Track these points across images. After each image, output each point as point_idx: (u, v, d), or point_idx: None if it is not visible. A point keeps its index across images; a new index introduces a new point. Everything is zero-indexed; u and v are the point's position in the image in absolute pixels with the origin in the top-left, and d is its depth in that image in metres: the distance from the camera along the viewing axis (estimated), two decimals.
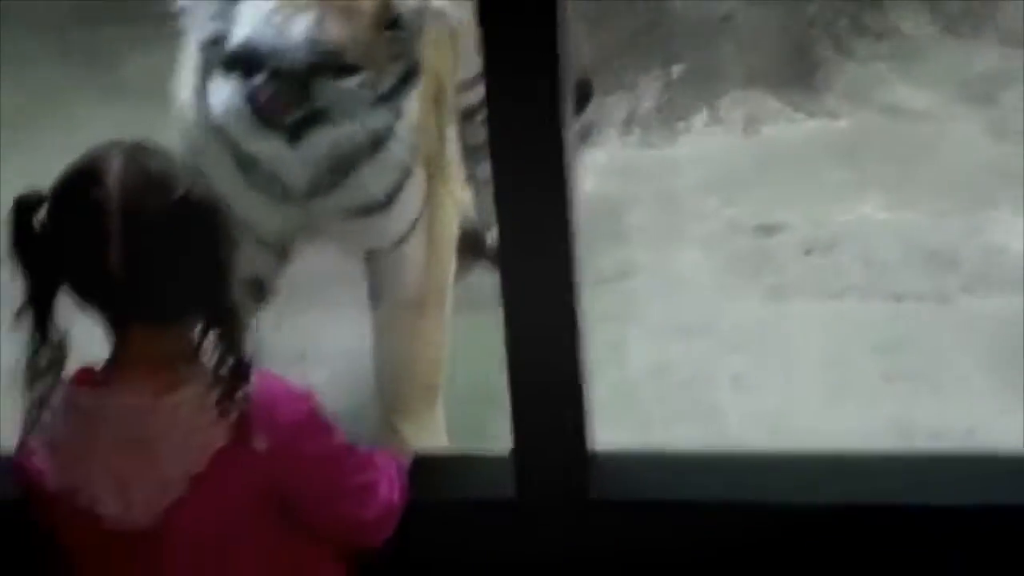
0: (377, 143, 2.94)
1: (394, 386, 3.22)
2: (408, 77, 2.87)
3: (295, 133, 2.78)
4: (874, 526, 2.39)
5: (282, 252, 3.15)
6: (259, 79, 2.71)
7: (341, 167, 2.98)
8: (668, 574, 2.43)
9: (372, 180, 3.02)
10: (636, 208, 4.24)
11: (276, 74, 2.71)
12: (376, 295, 3.24)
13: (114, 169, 1.94)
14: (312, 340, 3.63)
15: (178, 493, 1.98)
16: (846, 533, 2.39)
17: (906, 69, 4.71)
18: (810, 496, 2.40)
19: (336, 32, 2.72)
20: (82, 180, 1.96)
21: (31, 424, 2.03)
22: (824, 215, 4.06)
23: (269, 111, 2.72)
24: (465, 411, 3.22)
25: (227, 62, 2.73)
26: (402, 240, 3.14)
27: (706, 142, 4.54)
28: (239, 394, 1.96)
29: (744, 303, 3.76)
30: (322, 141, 2.84)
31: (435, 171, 3.16)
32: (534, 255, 2.32)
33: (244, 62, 2.71)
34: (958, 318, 3.59)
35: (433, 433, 3.18)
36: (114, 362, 2.02)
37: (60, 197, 1.97)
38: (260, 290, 3.17)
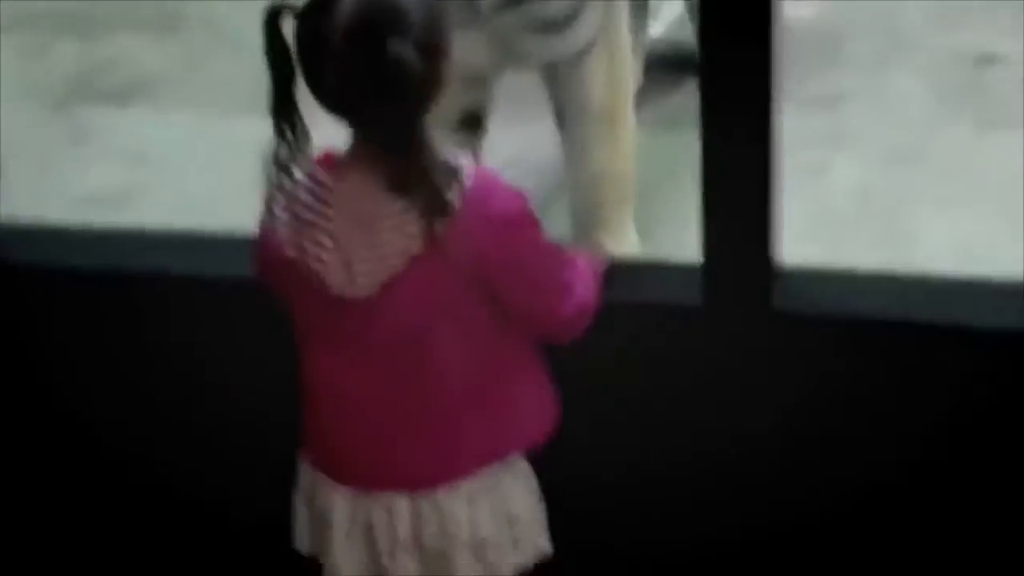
0: None
1: (588, 199, 3.32)
2: None
3: None
4: None
5: (484, 83, 3.26)
6: None
7: None
8: (845, 386, 2.48)
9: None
10: (855, 33, 4.22)
11: None
12: (562, 113, 3.33)
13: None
14: (523, 150, 3.75)
15: (396, 270, 2.11)
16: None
17: None
18: (991, 320, 2.43)
19: None
20: (317, 6, 2.09)
21: (275, 197, 2.18)
22: None
23: None
24: (659, 223, 3.31)
25: None
26: (583, 52, 3.21)
27: None
28: (436, 221, 2.08)
29: (954, 133, 3.74)
30: None
31: None
32: (733, 70, 2.34)
33: None
34: None
35: (626, 242, 3.29)
36: (351, 153, 2.15)
37: (300, 15, 2.10)
38: (476, 122, 3.31)
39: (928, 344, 2.45)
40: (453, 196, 2.09)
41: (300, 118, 2.15)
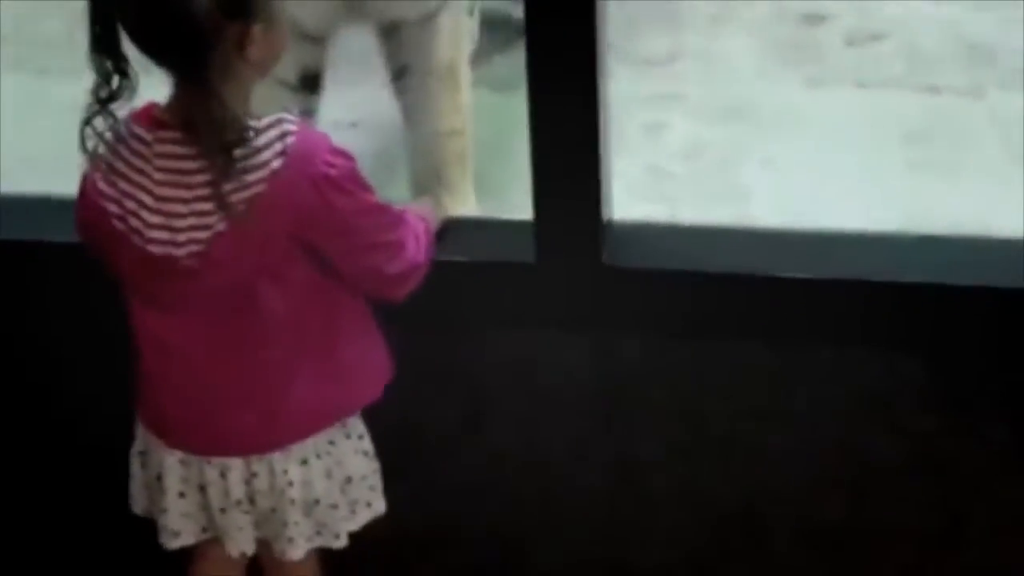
0: None
1: (429, 158, 3.33)
2: None
3: None
4: (876, 301, 2.46)
5: (323, 43, 3.24)
6: None
7: None
8: (675, 338, 2.53)
9: None
10: None
11: None
12: (402, 72, 3.32)
13: None
14: (363, 111, 3.74)
15: (217, 228, 2.11)
16: (856, 308, 2.47)
17: None
18: (818, 270, 2.47)
19: None
20: None
21: (95, 151, 2.16)
22: (871, 6, 4.08)
23: None
24: (493, 181, 3.33)
25: None
26: (437, 9, 3.23)
27: None
28: (222, 182, 2.07)
29: (783, 89, 3.81)
30: None
31: None
32: (558, 29, 2.36)
33: None
34: (989, 113, 3.63)
35: (465, 201, 3.30)
36: (171, 105, 2.13)
37: None
38: (313, 81, 3.29)
39: (756, 296, 2.50)
40: (245, 157, 2.07)
41: (124, 60, 2.11)
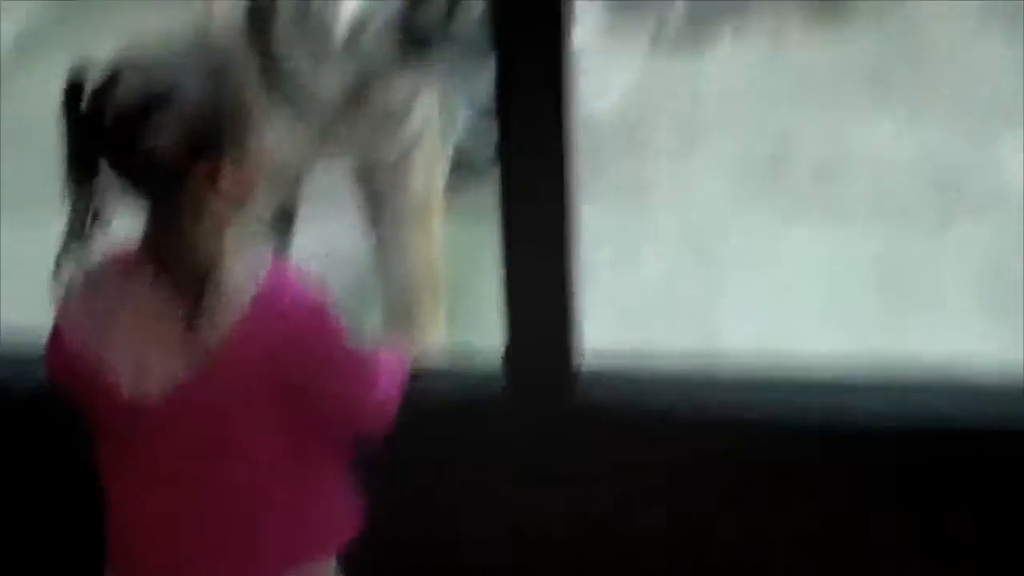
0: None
1: (402, 292, 3.33)
2: None
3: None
4: (853, 444, 2.46)
5: (298, 179, 3.27)
6: None
7: (370, 82, 3.08)
8: (649, 483, 2.52)
9: (394, 94, 3.13)
10: (658, 122, 4.31)
11: None
12: (376, 206, 3.33)
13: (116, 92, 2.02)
14: (336, 242, 3.74)
15: (187, 371, 2.07)
16: (826, 451, 2.47)
17: None
18: (792, 412, 2.47)
19: None
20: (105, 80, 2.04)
21: (68, 290, 2.12)
22: (839, 135, 4.12)
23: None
24: (463, 314, 3.33)
25: None
26: (413, 146, 3.24)
27: (730, 58, 4.59)
28: (194, 326, 2.05)
29: (752, 222, 3.83)
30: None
31: None
32: (529, 165, 2.37)
33: None
34: (958, 244, 3.65)
35: (436, 332, 3.31)
36: (143, 243, 2.10)
37: (93, 88, 2.04)
38: (287, 217, 3.31)
39: (729, 438, 2.48)
40: (215, 297, 2.04)
41: (100, 196, 2.07)
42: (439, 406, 2.49)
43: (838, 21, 4.66)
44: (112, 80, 2.03)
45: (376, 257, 3.39)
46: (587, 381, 2.48)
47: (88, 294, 2.12)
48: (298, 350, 2.10)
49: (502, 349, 2.46)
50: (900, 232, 3.75)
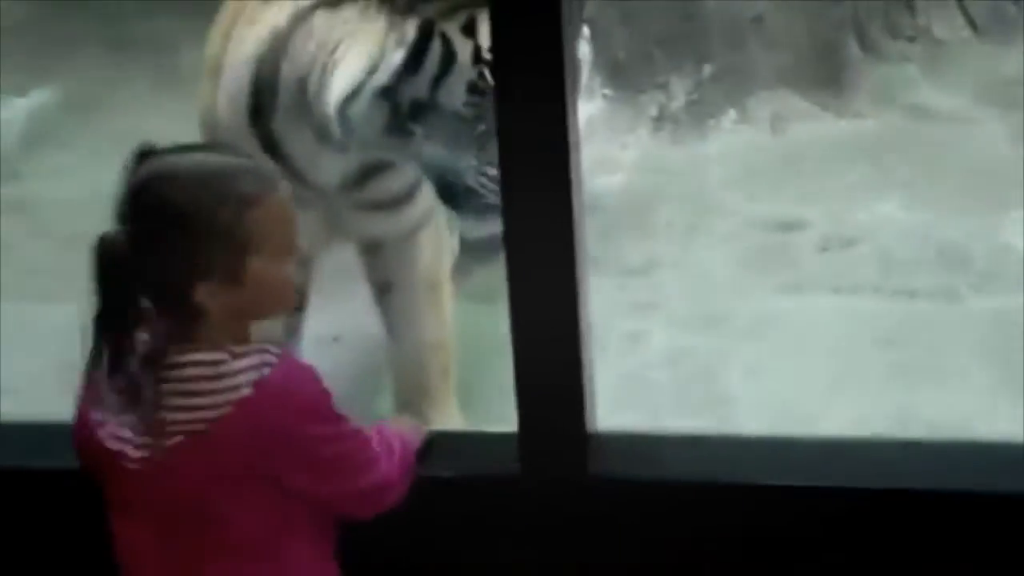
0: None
1: (412, 371, 3.34)
2: None
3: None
4: (870, 509, 2.46)
5: (308, 262, 3.25)
6: None
7: (372, 166, 3.13)
8: (664, 551, 2.51)
9: (397, 177, 3.17)
10: (663, 203, 4.36)
11: None
12: (385, 287, 3.35)
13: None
14: (346, 325, 3.76)
15: (182, 446, 2.11)
16: (843, 516, 2.46)
17: (934, 71, 4.80)
18: (807, 479, 2.47)
19: None
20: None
21: (86, 375, 2.19)
22: (844, 213, 4.17)
23: None
24: (476, 393, 3.35)
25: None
26: (419, 227, 3.27)
27: (734, 140, 4.66)
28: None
29: (760, 297, 3.87)
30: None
31: None
32: (538, 243, 2.39)
33: None
34: (965, 315, 3.68)
35: (448, 413, 3.31)
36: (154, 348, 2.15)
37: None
38: (298, 300, 3.29)
39: (743, 505, 2.49)
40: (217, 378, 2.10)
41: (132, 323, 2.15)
42: (454, 481, 2.50)
43: (837, 104, 4.73)
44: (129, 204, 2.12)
45: (387, 337, 3.41)
46: (600, 450, 2.50)
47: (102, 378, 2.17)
48: (292, 441, 2.13)
49: (516, 423, 2.47)
50: (907, 304, 3.78)
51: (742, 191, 4.36)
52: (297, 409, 2.13)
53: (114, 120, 4.86)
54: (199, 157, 2.22)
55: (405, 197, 3.23)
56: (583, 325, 2.44)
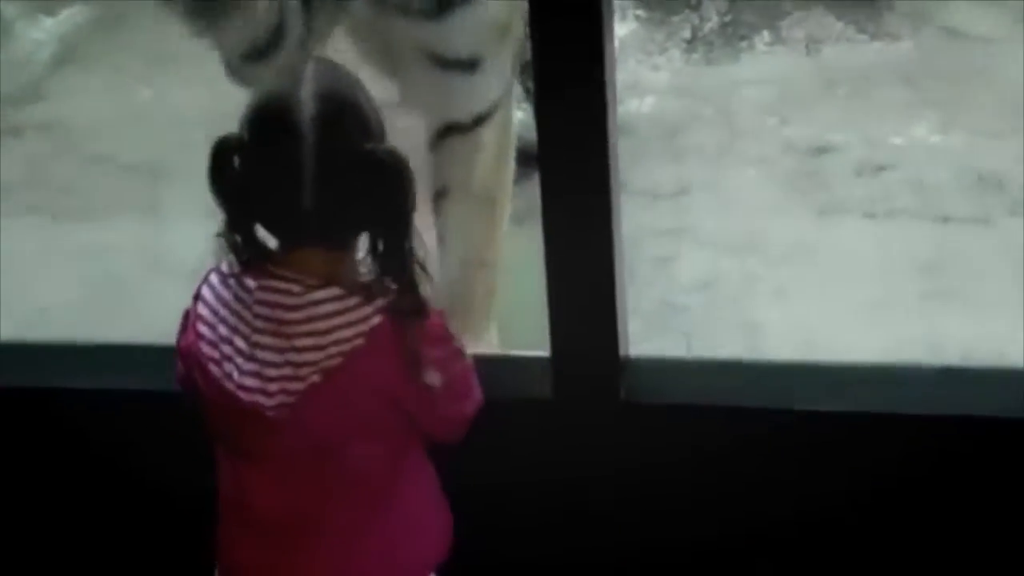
0: None
1: (457, 288, 3.21)
2: None
3: None
4: (896, 434, 2.47)
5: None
6: None
7: None
8: (694, 475, 2.52)
9: (468, 26, 3.00)
10: (695, 126, 4.33)
11: None
12: (443, 192, 3.20)
13: (306, 115, 2.03)
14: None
15: (311, 381, 2.08)
16: (872, 441, 2.47)
17: None
18: (835, 403, 2.47)
19: None
20: (275, 127, 2.05)
21: (194, 298, 2.16)
22: (878, 136, 4.14)
23: None
24: (507, 314, 3.33)
25: None
26: (482, 118, 3.12)
27: (767, 62, 4.61)
28: (415, 324, 2.08)
29: (793, 221, 3.84)
30: None
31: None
32: (572, 165, 2.38)
33: None
34: (999, 241, 3.65)
35: (487, 335, 3.23)
36: (278, 258, 2.12)
37: (254, 143, 2.06)
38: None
39: (774, 429, 2.49)
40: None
41: (257, 240, 2.11)
42: (486, 405, 2.50)
43: (872, 26, 4.68)
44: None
45: (438, 247, 3.22)
46: (632, 376, 2.49)
47: (216, 298, 2.14)
48: (411, 371, 2.11)
49: (548, 346, 2.47)
50: (941, 229, 3.76)
51: (775, 114, 4.32)
52: (430, 332, 2.12)
53: (141, 38, 4.84)
54: None
55: (469, 62, 3.05)
56: (616, 250, 2.43)
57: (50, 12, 5.08)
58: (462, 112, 3.14)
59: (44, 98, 4.65)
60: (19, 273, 3.73)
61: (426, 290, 2.11)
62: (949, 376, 2.55)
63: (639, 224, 3.61)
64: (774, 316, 3.51)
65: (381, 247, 2.08)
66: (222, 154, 2.07)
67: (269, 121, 2.06)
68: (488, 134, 3.14)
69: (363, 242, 2.13)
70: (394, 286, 2.09)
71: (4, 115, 4.56)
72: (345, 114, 2.07)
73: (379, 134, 2.09)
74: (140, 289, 3.35)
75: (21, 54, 4.92)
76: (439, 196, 3.24)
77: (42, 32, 5.01)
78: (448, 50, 3.04)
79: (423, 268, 2.11)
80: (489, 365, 2.62)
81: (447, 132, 3.17)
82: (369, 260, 2.11)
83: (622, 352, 2.48)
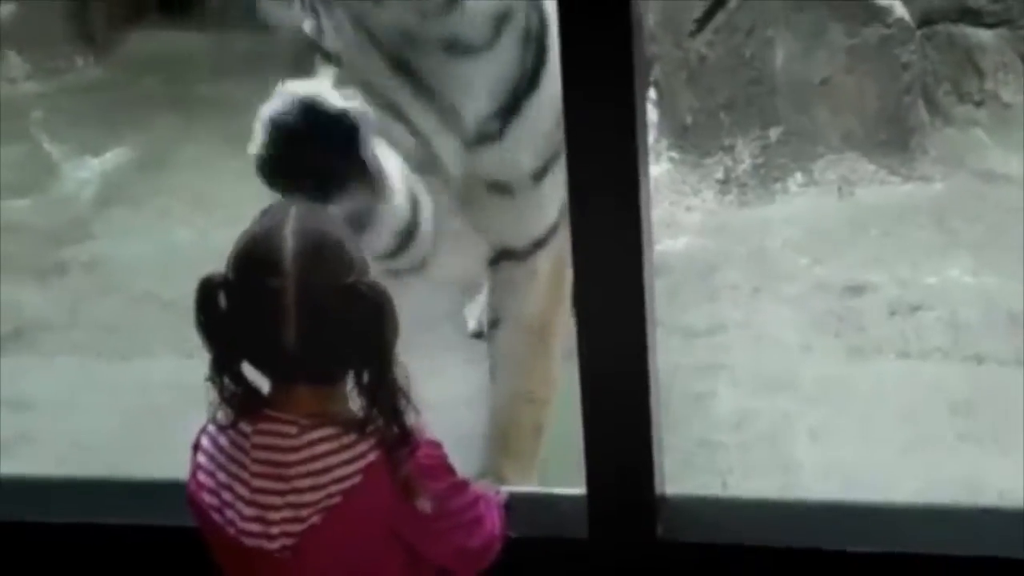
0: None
1: (504, 421, 3.13)
2: None
3: None
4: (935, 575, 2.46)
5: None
6: None
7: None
8: None
9: (528, 139, 2.93)
10: (729, 265, 4.35)
11: None
12: (495, 321, 3.13)
13: (288, 253, 2.06)
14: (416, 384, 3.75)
15: (312, 522, 2.10)
16: None
17: (1001, 135, 4.78)
18: (876, 545, 2.46)
19: None
20: (258, 265, 2.08)
21: (196, 447, 2.19)
22: (911, 277, 4.15)
23: None
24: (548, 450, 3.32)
25: None
26: (537, 244, 3.05)
27: (800, 203, 4.65)
28: (403, 452, 2.09)
29: (827, 360, 3.85)
30: None
31: None
32: (609, 303, 2.40)
33: None
34: None
35: (527, 476, 3.14)
36: (270, 400, 2.14)
37: (238, 281, 2.09)
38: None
39: (812, 571, 2.48)
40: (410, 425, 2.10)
41: (245, 380, 2.13)
42: (522, 542, 2.50)
43: (904, 168, 4.72)
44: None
45: (489, 381, 3.17)
46: (668, 514, 2.49)
47: (216, 445, 2.16)
48: (410, 506, 2.13)
49: (584, 483, 2.47)
50: (975, 369, 3.76)
51: (808, 254, 4.35)
52: (419, 464, 2.12)
53: (182, 179, 4.93)
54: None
55: (528, 179, 2.97)
56: (652, 388, 2.44)
57: (96, 152, 5.18)
58: (519, 237, 3.08)
59: (89, 237, 4.73)
60: (59, 410, 3.77)
61: (411, 419, 2.11)
62: (987, 517, 2.55)
63: (674, 362, 3.62)
64: (810, 455, 3.51)
65: (366, 379, 2.10)
66: (207, 292, 2.09)
67: (252, 258, 2.09)
68: (543, 262, 3.06)
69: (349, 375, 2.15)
70: (379, 417, 2.10)
71: (49, 253, 4.63)
72: (325, 248, 2.09)
73: (360, 269, 2.11)
74: (180, 426, 3.37)
75: (67, 193, 5.01)
76: (492, 325, 3.18)
77: (87, 171, 5.11)
78: (515, 165, 2.98)
79: (407, 397, 2.11)
80: (523, 502, 2.64)
81: (502, 258, 3.11)
82: (355, 392, 2.12)
83: (658, 490, 2.48)
